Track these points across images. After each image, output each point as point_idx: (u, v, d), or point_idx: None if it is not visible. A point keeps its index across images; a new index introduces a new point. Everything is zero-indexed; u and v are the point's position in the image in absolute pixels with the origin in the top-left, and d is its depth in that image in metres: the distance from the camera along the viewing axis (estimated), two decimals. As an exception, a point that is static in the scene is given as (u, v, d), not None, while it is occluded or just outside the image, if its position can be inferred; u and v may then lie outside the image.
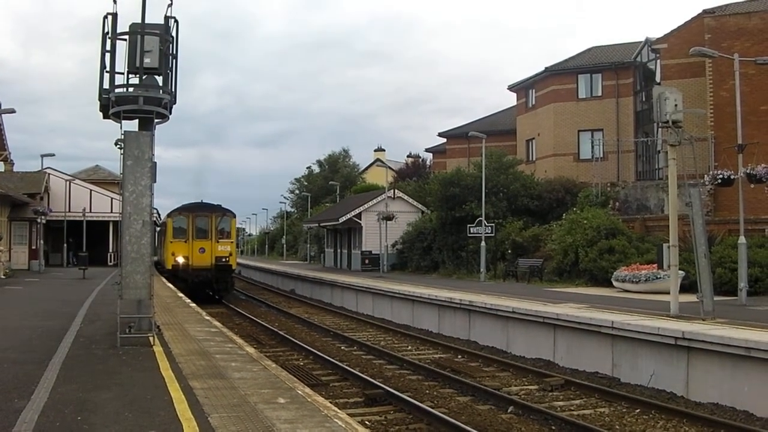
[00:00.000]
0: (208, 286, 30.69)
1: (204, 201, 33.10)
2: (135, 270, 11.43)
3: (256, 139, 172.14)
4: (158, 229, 38.02)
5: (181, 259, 30.14)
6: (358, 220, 40.25)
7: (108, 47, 12.10)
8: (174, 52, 12.50)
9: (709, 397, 11.96)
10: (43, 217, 37.73)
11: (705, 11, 29.75)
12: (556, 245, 27.96)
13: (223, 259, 30.57)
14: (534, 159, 41.94)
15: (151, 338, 11.78)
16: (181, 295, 23.33)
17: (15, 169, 45.70)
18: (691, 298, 16.02)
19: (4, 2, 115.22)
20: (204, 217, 31.02)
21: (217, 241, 30.63)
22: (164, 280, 30.93)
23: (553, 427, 10.63)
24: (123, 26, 12.18)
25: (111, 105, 11.91)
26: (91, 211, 43.42)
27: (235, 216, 32.81)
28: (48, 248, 42.64)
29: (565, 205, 32.67)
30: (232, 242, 31.78)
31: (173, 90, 12.52)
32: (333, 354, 17.34)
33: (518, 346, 17.60)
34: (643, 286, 21.21)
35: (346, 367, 15.04)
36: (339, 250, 46.98)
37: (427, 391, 13.20)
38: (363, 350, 18.31)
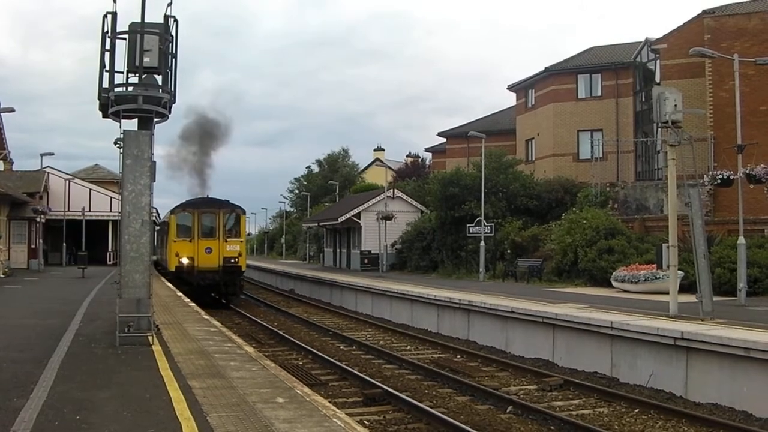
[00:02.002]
0: (215, 290, 28.26)
1: (209, 196, 30.41)
2: (134, 269, 11.43)
3: (254, 138, 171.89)
4: (157, 228, 37.60)
5: (185, 260, 27.56)
6: (358, 220, 40.25)
7: (107, 46, 12.10)
8: (174, 51, 12.50)
9: (708, 397, 11.96)
10: (42, 216, 37.73)
11: (705, 11, 29.73)
12: (555, 245, 27.97)
13: (232, 260, 27.93)
14: (533, 159, 41.94)
15: (150, 337, 11.78)
16: (180, 294, 23.25)
17: (14, 168, 45.74)
18: (690, 298, 16.02)
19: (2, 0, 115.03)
20: (211, 213, 28.38)
21: (225, 241, 28.00)
22: (166, 282, 29.17)
23: (552, 427, 10.64)
24: (123, 25, 12.20)
25: (110, 104, 11.91)
26: (90, 210, 43.38)
27: (244, 212, 30.14)
28: (47, 247, 42.62)
29: (564, 205, 32.67)
30: (241, 241, 29.00)
31: (173, 89, 12.51)
32: (332, 353, 17.34)
33: (517, 345, 17.60)
34: (642, 287, 21.21)
35: (345, 367, 15.04)
36: (338, 250, 46.99)
37: (426, 391, 13.20)
38: (362, 350, 18.31)
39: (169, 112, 12.54)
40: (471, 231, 30.91)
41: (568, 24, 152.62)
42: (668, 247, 15.72)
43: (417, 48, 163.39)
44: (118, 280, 11.70)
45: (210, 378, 9.09)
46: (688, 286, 18.64)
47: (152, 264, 12.73)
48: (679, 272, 16.72)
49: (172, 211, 29.40)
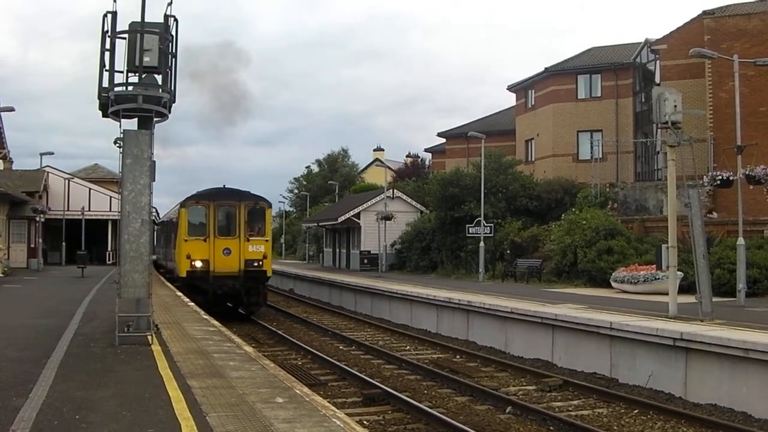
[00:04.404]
0: (235, 299, 24.17)
1: (227, 186, 25.27)
2: (133, 269, 11.43)
3: (254, 138, 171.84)
4: (157, 227, 37.08)
5: (198, 263, 23.14)
6: (357, 220, 40.25)
7: (107, 46, 12.08)
8: (173, 50, 12.49)
9: (708, 397, 11.97)
10: (41, 215, 37.75)
11: (704, 12, 29.77)
12: (554, 246, 27.97)
13: (255, 263, 23.49)
14: (533, 159, 41.96)
15: (149, 337, 11.77)
16: (179, 294, 23.04)
17: (14, 168, 45.78)
18: (689, 299, 16.02)
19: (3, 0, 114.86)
20: (229, 206, 23.81)
21: (248, 239, 23.52)
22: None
23: (551, 428, 10.64)
24: (122, 25, 12.19)
25: (110, 103, 11.90)
26: (89, 210, 43.39)
27: (270, 205, 25.54)
28: (46, 247, 42.63)
29: (563, 206, 32.67)
30: (266, 240, 24.30)
31: (173, 89, 12.51)
32: (331, 353, 17.35)
33: (517, 346, 17.61)
34: (641, 287, 21.22)
35: (345, 367, 15.05)
36: (338, 250, 46.99)
37: (426, 391, 13.21)
38: (361, 350, 18.32)
39: (169, 112, 12.52)
40: (470, 231, 30.91)
41: (567, 24, 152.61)
42: (668, 247, 15.72)
43: (416, 48, 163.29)
44: (117, 280, 11.70)
45: (209, 378, 9.09)
46: (687, 287, 18.65)
47: (152, 264, 12.67)
48: (679, 273, 16.73)
49: (183, 204, 24.48)
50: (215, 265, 23.22)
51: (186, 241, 23.60)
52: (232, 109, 26.51)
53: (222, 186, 25.17)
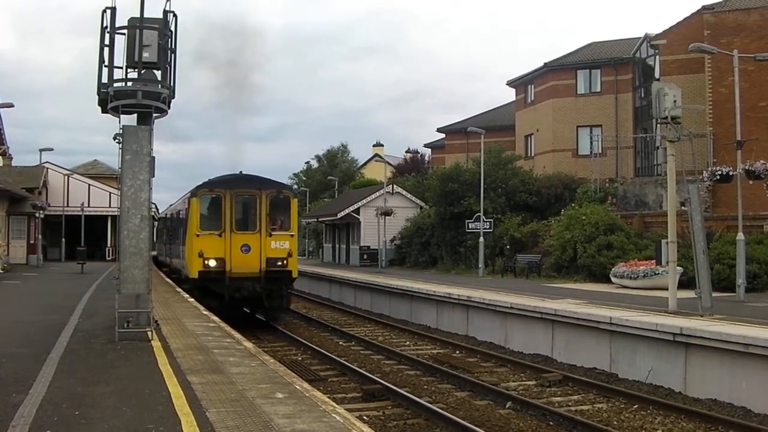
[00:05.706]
0: (255, 304, 21.20)
1: (244, 172, 21.95)
2: (133, 264, 11.41)
3: (253, 134, 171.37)
4: (158, 222, 36.92)
5: (212, 263, 19.92)
6: (357, 216, 40.25)
7: (107, 41, 12.05)
8: (173, 46, 12.47)
9: (707, 393, 11.98)
10: (41, 211, 37.70)
11: (704, 7, 29.74)
12: (554, 241, 27.97)
13: (279, 263, 20.31)
14: (533, 155, 41.93)
15: (149, 333, 11.77)
16: (179, 289, 22.82)
17: (13, 164, 45.71)
18: (689, 294, 16.04)
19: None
20: (249, 196, 20.58)
21: (270, 234, 20.21)
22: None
23: (551, 423, 10.66)
24: (122, 20, 12.16)
25: (110, 99, 11.88)
26: (89, 206, 43.35)
27: (295, 195, 22.45)
28: (46, 243, 42.61)
29: (563, 201, 32.67)
30: (291, 235, 20.77)
31: (172, 84, 12.48)
32: (331, 349, 17.37)
33: (516, 341, 17.63)
34: (641, 282, 21.23)
35: (345, 362, 15.07)
36: (337, 245, 47.01)
37: (426, 387, 13.23)
38: (361, 345, 18.34)
39: (169, 107, 12.50)
40: (470, 227, 30.92)
41: (568, 20, 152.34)
42: (667, 243, 15.72)
43: (415, 44, 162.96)
44: (117, 276, 11.69)
45: (209, 373, 9.09)
46: (687, 282, 18.65)
47: (152, 260, 12.62)
48: (679, 268, 16.73)
49: (194, 193, 21.00)
50: (232, 264, 19.97)
51: (198, 236, 20.24)
52: (242, 90, 25.35)
53: (239, 172, 21.91)
